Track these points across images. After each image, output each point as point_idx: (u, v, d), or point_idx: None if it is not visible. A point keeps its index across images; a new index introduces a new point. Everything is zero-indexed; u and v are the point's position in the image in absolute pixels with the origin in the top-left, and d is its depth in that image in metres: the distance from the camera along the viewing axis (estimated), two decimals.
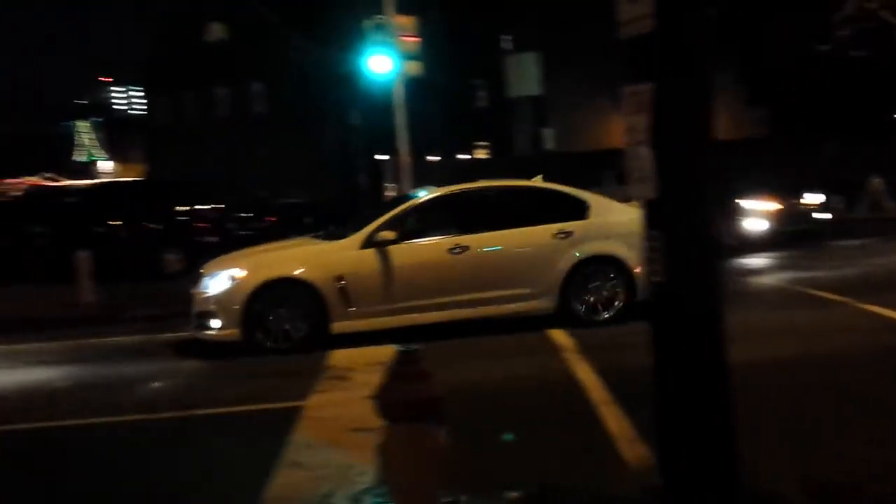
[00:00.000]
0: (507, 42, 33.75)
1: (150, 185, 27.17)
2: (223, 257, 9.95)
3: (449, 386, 4.21)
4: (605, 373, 7.10)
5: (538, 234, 9.57)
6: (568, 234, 9.55)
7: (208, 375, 8.47)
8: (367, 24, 15.53)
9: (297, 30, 37.49)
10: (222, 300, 9.12)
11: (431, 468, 3.70)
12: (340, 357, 8.50)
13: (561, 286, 9.42)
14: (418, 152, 15.93)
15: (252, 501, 4.73)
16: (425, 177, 17.31)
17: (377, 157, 32.94)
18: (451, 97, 35.63)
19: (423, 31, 15.41)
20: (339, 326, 9.14)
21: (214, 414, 6.88)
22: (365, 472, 4.87)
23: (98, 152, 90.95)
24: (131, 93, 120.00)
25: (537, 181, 10.28)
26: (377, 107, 18.76)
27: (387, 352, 8.01)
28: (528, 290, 9.43)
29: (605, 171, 29.23)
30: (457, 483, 4.15)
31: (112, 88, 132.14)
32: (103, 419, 6.96)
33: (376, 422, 3.79)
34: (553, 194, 10.02)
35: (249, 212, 19.53)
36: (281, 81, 42.18)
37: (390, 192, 22.46)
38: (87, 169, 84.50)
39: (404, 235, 9.38)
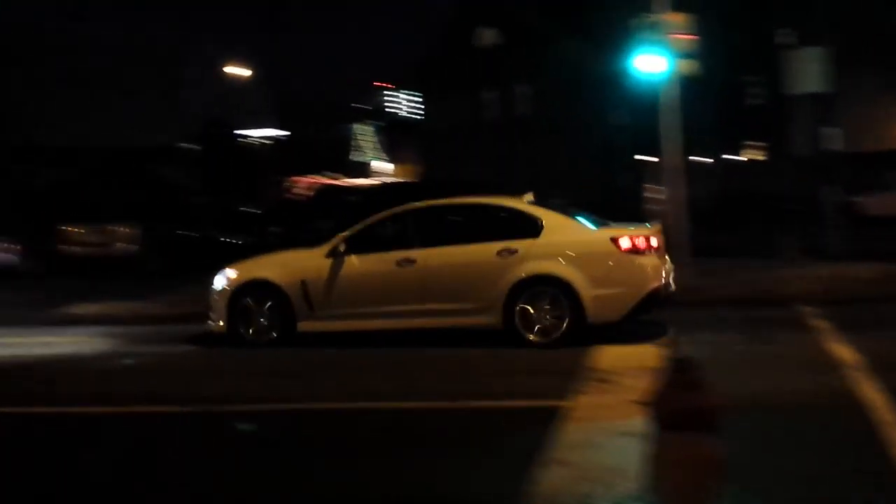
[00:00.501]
0: (784, 36, 31.81)
1: (424, 185, 28.48)
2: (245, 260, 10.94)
3: (720, 397, 4.10)
4: (895, 392, 6.55)
5: (481, 251, 9.67)
6: (513, 252, 9.52)
7: (471, 366, 8.78)
8: (636, 22, 15.26)
9: (565, 32, 37.71)
10: (217, 297, 10.35)
11: (702, 480, 3.62)
12: (601, 359, 8.51)
13: (504, 304, 9.41)
14: (684, 153, 15.42)
15: (518, 495, 4.87)
16: (692, 178, 16.75)
17: (638, 157, 32.29)
18: (720, 95, 34.16)
19: (697, 28, 14.91)
20: (303, 326, 10.05)
21: (479, 407, 7.13)
22: (630, 477, 4.85)
23: (377, 154, 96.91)
24: (405, 97, 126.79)
25: (526, 199, 10.05)
26: (642, 107, 18.42)
27: (649, 356, 7.94)
28: (470, 306, 9.57)
29: (893, 173, 26.80)
30: (727, 497, 4.03)
31: (385, 92, 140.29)
32: (365, 404, 7.45)
33: (644, 427, 3.77)
34: (507, 212, 10.05)
35: None
36: (547, 83, 42.67)
37: (651, 193, 21.96)
38: (363, 168, 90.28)
39: (366, 247, 10.00)
